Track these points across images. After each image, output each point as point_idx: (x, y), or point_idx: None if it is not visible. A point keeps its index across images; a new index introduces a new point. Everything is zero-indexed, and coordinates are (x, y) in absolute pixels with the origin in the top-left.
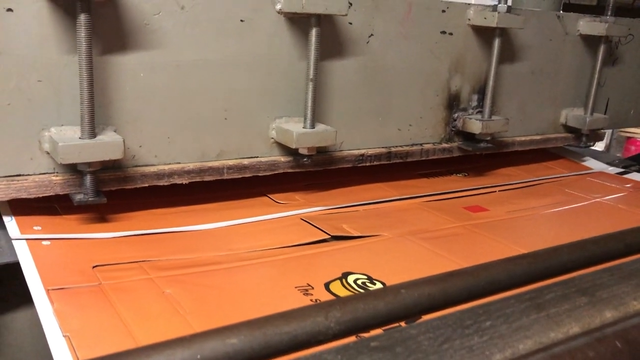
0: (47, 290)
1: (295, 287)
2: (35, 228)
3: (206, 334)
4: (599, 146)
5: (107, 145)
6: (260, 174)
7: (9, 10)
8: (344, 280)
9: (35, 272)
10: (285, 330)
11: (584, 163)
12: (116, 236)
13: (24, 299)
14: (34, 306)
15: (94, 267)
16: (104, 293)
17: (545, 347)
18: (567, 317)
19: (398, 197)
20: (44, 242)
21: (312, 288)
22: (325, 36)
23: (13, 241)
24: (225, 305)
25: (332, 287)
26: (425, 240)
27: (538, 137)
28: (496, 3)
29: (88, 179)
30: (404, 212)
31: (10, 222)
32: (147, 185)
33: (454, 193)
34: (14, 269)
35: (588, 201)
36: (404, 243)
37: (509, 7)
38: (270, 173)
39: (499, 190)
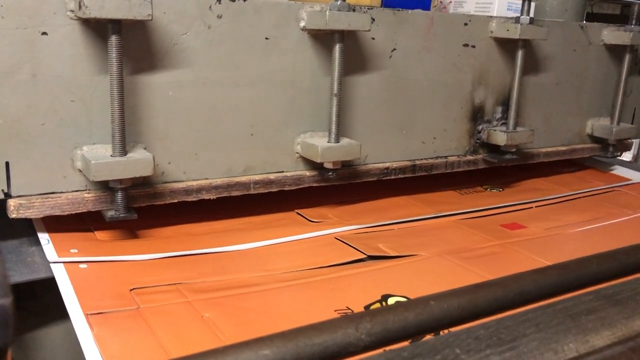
0: (87, 315)
1: (335, 310)
2: (72, 251)
3: (239, 345)
4: (626, 156)
5: (137, 163)
6: (286, 189)
7: (44, 33)
8: (384, 303)
9: (74, 296)
10: (316, 342)
11: (621, 174)
12: (152, 258)
13: (58, 314)
14: (68, 321)
15: (131, 290)
16: (142, 317)
17: (579, 356)
18: (600, 327)
19: (433, 215)
20: (81, 265)
21: (352, 311)
22: (349, 51)
23: (51, 264)
24: (265, 330)
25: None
26: (464, 260)
27: (564, 148)
28: (518, 15)
29: (119, 195)
30: (440, 231)
31: (48, 245)
32: (176, 201)
33: (490, 210)
34: (48, 284)
35: (630, 216)
36: (443, 263)
37: (531, 18)
38: (296, 187)
39: (535, 206)
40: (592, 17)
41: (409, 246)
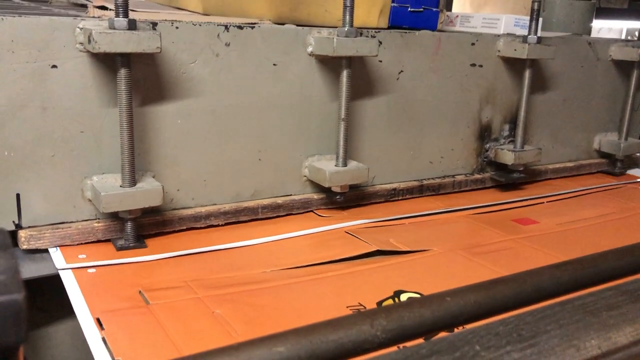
0: (96, 320)
1: (347, 307)
2: (80, 257)
3: (253, 342)
4: None
5: (147, 193)
6: (294, 213)
7: (54, 66)
8: (396, 299)
9: (84, 302)
10: (331, 339)
11: (633, 173)
12: (161, 258)
13: (66, 310)
14: (75, 317)
15: (140, 292)
16: (153, 314)
17: (602, 354)
18: (622, 323)
19: (444, 210)
20: (90, 270)
21: (364, 308)
22: (356, 75)
23: (59, 271)
24: (277, 327)
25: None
26: (477, 256)
27: (571, 164)
28: (525, 31)
29: (129, 225)
30: (451, 225)
31: (56, 253)
32: (185, 228)
33: (501, 205)
34: (57, 281)
35: None
36: (455, 258)
37: (539, 38)
38: (304, 211)
39: (547, 201)
40: (600, 12)
41: (420, 241)
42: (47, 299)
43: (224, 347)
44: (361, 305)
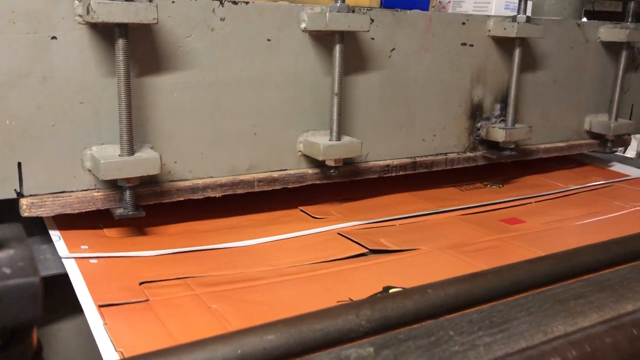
0: (98, 307)
1: (337, 302)
2: (83, 247)
3: (245, 331)
4: (630, 153)
5: (145, 162)
6: (289, 186)
7: (54, 38)
8: None
9: (86, 289)
10: (318, 328)
11: (619, 170)
12: (159, 254)
13: (70, 309)
14: (80, 316)
15: (140, 283)
16: (152, 309)
17: (565, 334)
18: (588, 310)
19: (434, 211)
20: (92, 261)
21: None
22: (349, 52)
23: (62, 259)
24: (270, 320)
25: None
26: (464, 254)
27: (562, 144)
28: (516, 13)
29: (127, 194)
30: (441, 226)
31: (59, 242)
32: (182, 199)
33: (490, 205)
34: (60, 280)
35: (627, 210)
36: (443, 257)
37: (528, 17)
38: (299, 185)
39: (534, 202)
40: (593, 15)
41: (410, 241)
42: (50, 298)
43: (218, 335)
44: (351, 300)
